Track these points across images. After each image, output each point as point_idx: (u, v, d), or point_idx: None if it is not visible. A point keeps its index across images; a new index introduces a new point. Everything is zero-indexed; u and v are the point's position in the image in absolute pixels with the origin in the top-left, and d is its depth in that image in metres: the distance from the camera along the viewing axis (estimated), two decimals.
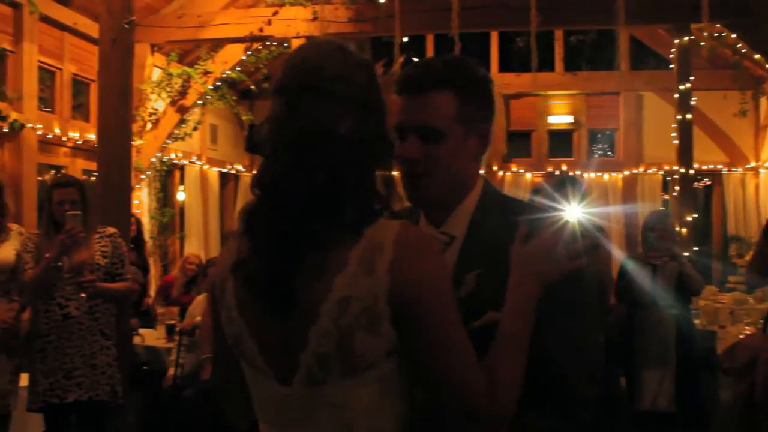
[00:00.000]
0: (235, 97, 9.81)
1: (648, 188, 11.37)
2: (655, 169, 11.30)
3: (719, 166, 11.25)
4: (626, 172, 11.46)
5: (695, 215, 8.03)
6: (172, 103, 8.89)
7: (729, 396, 4.81)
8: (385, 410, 1.40)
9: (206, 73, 8.90)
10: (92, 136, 7.13)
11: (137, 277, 6.12)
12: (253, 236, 1.42)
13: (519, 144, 11.86)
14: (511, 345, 1.47)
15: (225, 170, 11.54)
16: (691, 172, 8.03)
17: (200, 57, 9.09)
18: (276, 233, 1.37)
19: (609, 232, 9.32)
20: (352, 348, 1.34)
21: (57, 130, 7.56)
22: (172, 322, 6.19)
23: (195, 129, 9.33)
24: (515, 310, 1.50)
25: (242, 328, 1.44)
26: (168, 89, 8.76)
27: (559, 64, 11.54)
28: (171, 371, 5.72)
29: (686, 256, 6.03)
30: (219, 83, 9.12)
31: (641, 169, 11.41)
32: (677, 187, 8.08)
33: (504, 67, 11.70)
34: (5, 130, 6.37)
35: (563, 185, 4.96)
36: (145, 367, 5.97)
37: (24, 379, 4.45)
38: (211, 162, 11.00)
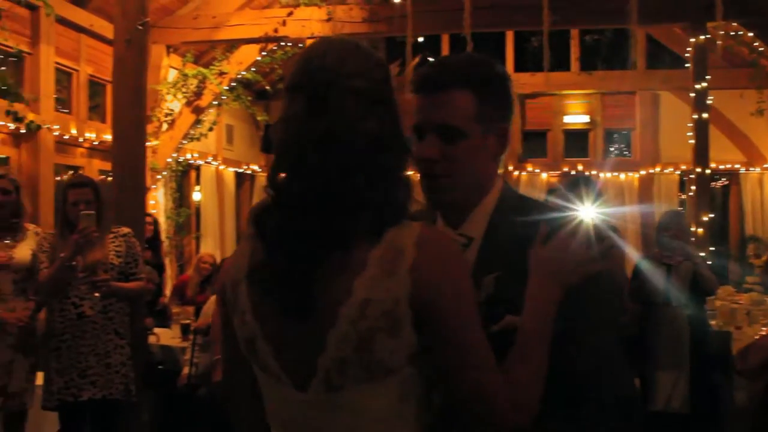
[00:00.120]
0: (250, 98, 9.84)
1: (664, 188, 11.31)
2: (671, 169, 11.24)
3: (736, 166, 11.17)
4: (642, 172, 11.41)
5: (712, 215, 7.96)
6: (188, 103, 8.93)
7: (744, 397, 4.79)
8: (404, 416, 1.37)
9: (221, 73, 8.93)
10: (108, 137, 7.17)
11: (152, 276, 6.16)
12: (270, 237, 1.38)
13: (534, 144, 11.83)
14: (531, 349, 1.43)
15: (241, 170, 11.59)
16: (708, 171, 7.96)
17: (215, 58, 9.14)
18: (295, 234, 1.33)
19: (624, 232, 9.29)
20: (372, 352, 1.31)
21: (74, 131, 7.62)
22: (187, 321, 6.21)
23: (210, 129, 9.38)
24: (535, 313, 1.47)
25: (256, 331, 1.40)
26: (183, 90, 8.81)
27: (574, 63, 11.50)
28: (185, 370, 5.74)
29: (701, 256, 6.00)
30: (234, 84, 9.16)
31: (657, 169, 11.36)
32: (693, 187, 8.01)
33: (519, 67, 11.67)
34: (22, 131, 6.42)
35: (577, 185, 4.94)
36: (160, 366, 5.99)
37: (40, 378, 4.50)
38: (227, 162, 11.05)
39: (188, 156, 9.66)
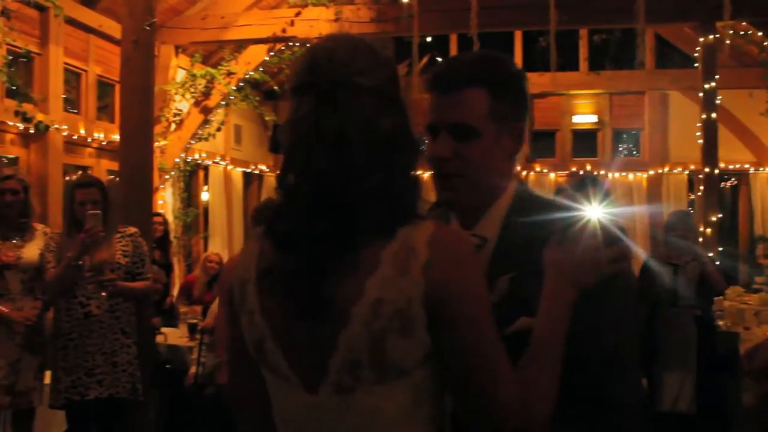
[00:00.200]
0: (258, 98, 9.86)
1: (673, 188, 11.28)
2: (680, 169, 11.21)
3: (746, 166, 11.12)
4: (651, 172, 11.38)
5: (720, 215, 7.93)
6: (196, 103, 8.97)
7: (751, 398, 4.77)
8: (416, 418, 1.34)
9: (229, 74, 8.97)
10: (117, 137, 7.19)
11: (159, 276, 6.18)
12: (281, 238, 1.36)
13: (543, 144, 11.81)
14: (545, 352, 1.40)
15: (249, 170, 11.61)
16: (716, 171, 7.94)
17: (224, 58, 9.18)
18: (306, 235, 1.31)
19: (632, 232, 9.26)
20: (384, 353, 1.28)
21: (82, 131, 7.64)
22: (195, 321, 6.22)
23: (219, 129, 9.41)
24: (549, 315, 1.43)
25: (265, 332, 1.37)
26: (192, 90, 8.85)
27: (583, 63, 11.49)
28: (193, 370, 5.75)
29: (709, 256, 5.98)
30: (242, 84, 9.18)
31: (666, 169, 11.32)
32: (702, 187, 7.99)
33: (527, 67, 11.59)
34: (31, 131, 6.46)
35: (584, 185, 4.94)
36: (167, 366, 6.01)
37: (48, 377, 4.52)
38: (235, 162, 11.07)
39: (196, 156, 9.69)
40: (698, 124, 8.10)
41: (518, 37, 11.58)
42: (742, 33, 8.26)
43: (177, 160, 8.88)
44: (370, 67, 1.35)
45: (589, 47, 11.54)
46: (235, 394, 1.57)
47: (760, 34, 8.00)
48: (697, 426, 5.15)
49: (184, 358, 6.01)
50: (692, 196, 10.96)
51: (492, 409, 1.31)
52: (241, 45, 8.99)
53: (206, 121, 9.11)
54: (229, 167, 10.88)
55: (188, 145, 9.06)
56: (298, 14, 8.18)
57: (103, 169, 8.13)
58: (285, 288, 1.33)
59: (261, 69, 9.16)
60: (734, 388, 5.47)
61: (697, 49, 8.11)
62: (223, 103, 9.20)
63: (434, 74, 1.66)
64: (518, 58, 11.56)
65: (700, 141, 8.02)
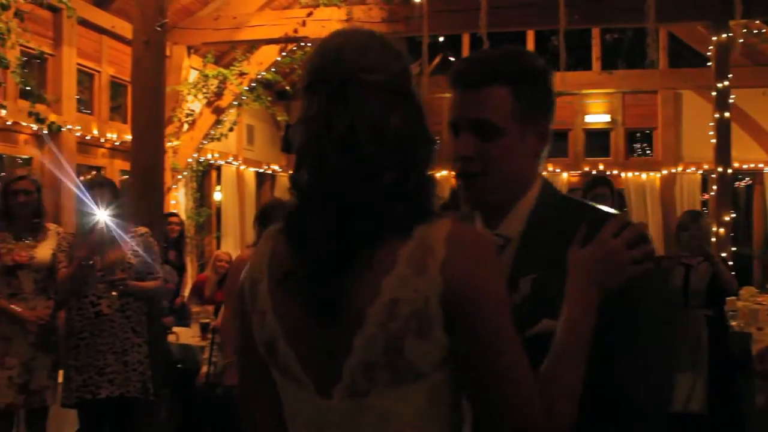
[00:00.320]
0: (270, 98, 9.89)
1: (687, 188, 11.21)
2: (693, 169, 11.13)
3: (760, 165, 11.03)
4: (664, 172, 11.31)
5: (734, 215, 7.89)
6: (209, 104, 9.00)
7: (764, 399, 4.74)
8: (433, 422, 1.30)
9: (242, 74, 8.99)
10: (130, 137, 7.25)
11: (170, 276, 6.21)
12: (295, 238, 1.32)
13: (555, 143, 11.61)
14: (567, 356, 1.36)
15: (261, 170, 11.64)
16: (730, 171, 7.89)
17: (236, 58, 9.21)
18: (320, 235, 1.27)
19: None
20: (401, 355, 1.24)
21: (95, 132, 7.69)
22: (207, 320, 6.24)
23: (231, 130, 9.44)
24: (572, 318, 1.39)
25: (277, 333, 1.33)
26: (204, 90, 8.88)
27: (596, 63, 11.45)
28: (204, 369, 5.77)
29: (721, 256, 5.95)
30: (254, 84, 9.21)
31: (680, 169, 11.26)
32: (715, 187, 7.95)
33: None
34: (45, 132, 6.51)
35: (595, 185, 4.94)
36: (179, 365, 6.03)
37: (62, 376, 4.56)
38: (248, 162, 11.11)
39: (209, 156, 9.73)
40: (711, 123, 8.06)
41: (530, 36, 11.55)
42: (755, 32, 8.21)
43: (189, 160, 8.91)
44: (380, 63, 1.31)
45: (601, 46, 11.51)
46: (244, 396, 1.53)
47: None
48: (709, 427, 5.13)
49: (196, 358, 6.03)
50: (706, 196, 10.90)
51: (512, 414, 1.26)
52: (253, 45, 9.02)
53: (218, 122, 9.15)
54: (242, 167, 10.91)
55: (201, 146, 9.09)
56: (309, 14, 8.21)
57: (117, 169, 8.18)
58: (298, 288, 1.30)
59: (273, 69, 9.19)
60: (747, 388, 5.44)
61: (710, 47, 8.07)
62: (236, 103, 9.24)
63: (456, 70, 1.61)
64: None
65: (713, 140, 7.98)
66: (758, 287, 8.25)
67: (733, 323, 6.24)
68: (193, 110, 8.86)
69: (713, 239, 7.48)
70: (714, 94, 7.96)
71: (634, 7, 6.93)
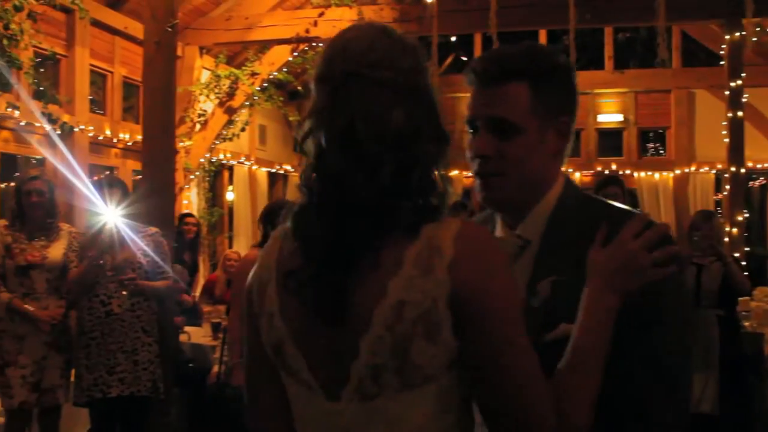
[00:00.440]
0: (282, 98, 9.91)
1: (700, 187, 11.15)
2: (707, 168, 11.08)
3: None
4: (677, 171, 11.26)
5: (747, 215, 7.84)
6: (221, 104, 9.04)
7: None
8: (443, 426, 1.26)
9: (253, 74, 9.03)
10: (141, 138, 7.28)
11: (182, 276, 6.23)
12: (301, 236, 1.30)
13: None
14: (583, 361, 1.31)
15: (274, 170, 11.67)
16: (743, 170, 7.85)
17: (248, 59, 9.24)
18: (325, 234, 1.25)
19: None
20: (409, 358, 1.20)
21: (108, 132, 7.73)
22: (218, 320, 6.28)
23: (243, 130, 9.47)
24: (590, 322, 1.34)
25: (285, 335, 1.31)
26: (216, 91, 8.92)
27: (608, 62, 11.41)
28: (215, 368, 5.79)
29: (734, 256, 5.91)
30: (266, 84, 9.24)
31: (693, 168, 11.20)
32: (728, 186, 7.90)
33: None
34: (57, 132, 6.54)
35: (605, 185, 4.92)
36: (190, 365, 6.06)
37: (74, 375, 4.59)
38: (260, 162, 11.14)
39: (221, 156, 9.76)
40: (724, 123, 8.01)
41: (542, 35, 11.53)
42: None
43: (202, 160, 8.95)
44: (387, 58, 1.28)
45: (614, 45, 11.47)
46: (252, 398, 1.48)
47: None
48: (721, 427, 5.10)
49: (207, 357, 6.06)
50: (719, 196, 10.83)
51: (522, 420, 1.21)
52: (264, 45, 9.05)
53: (230, 122, 9.18)
54: (254, 167, 10.94)
55: (213, 146, 9.12)
56: (321, 15, 8.24)
57: (129, 169, 8.21)
58: (305, 290, 1.27)
59: (285, 69, 9.21)
60: (759, 389, 5.41)
61: (723, 46, 8.03)
62: (248, 103, 9.27)
63: (474, 67, 1.56)
64: None
65: (727, 140, 7.94)
66: None
67: (746, 323, 6.21)
68: (205, 110, 8.90)
69: (726, 239, 7.44)
70: (727, 93, 7.92)
71: (644, 6, 6.91)
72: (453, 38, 12.62)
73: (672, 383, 1.41)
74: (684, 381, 1.45)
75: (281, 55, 9.02)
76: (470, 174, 1.63)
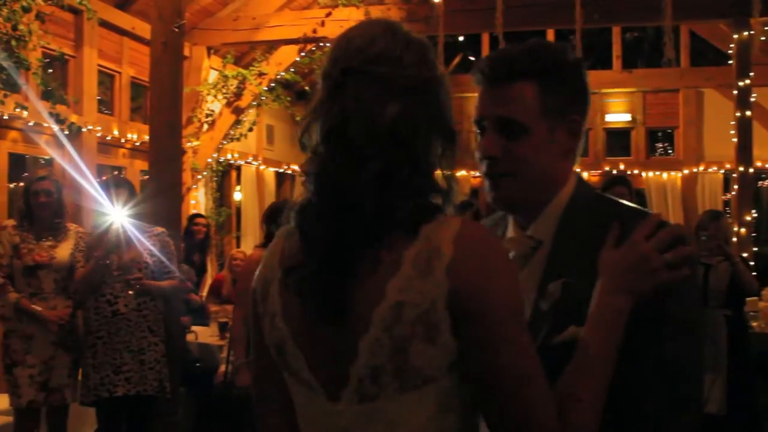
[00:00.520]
0: (289, 98, 9.92)
1: (708, 187, 11.12)
2: (715, 168, 11.04)
3: None
4: (686, 171, 11.23)
5: (755, 214, 7.81)
6: (228, 104, 9.05)
7: None
8: (444, 427, 1.24)
9: (261, 74, 9.03)
10: None
11: (189, 275, 6.25)
12: (303, 235, 1.28)
13: None
14: (590, 364, 1.28)
15: (281, 170, 11.68)
16: (751, 170, 7.82)
17: (255, 59, 9.25)
18: (324, 231, 1.23)
19: None
20: (408, 360, 1.19)
21: (116, 132, 7.76)
22: (225, 319, 6.29)
23: (250, 130, 9.48)
24: (599, 324, 1.31)
25: (286, 336, 1.30)
26: (224, 91, 8.92)
27: (616, 61, 11.39)
28: (222, 368, 5.80)
29: (742, 256, 5.89)
30: (273, 84, 9.24)
31: (701, 168, 11.16)
32: (737, 186, 7.88)
33: None
34: (65, 132, 6.57)
35: (611, 185, 4.91)
36: (197, 364, 6.08)
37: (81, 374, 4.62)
38: (268, 162, 11.15)
39: (229, 156, 9.78)
40: (733, 122, 7.99)
41: (550, 35, 11.51)
42: None
43: (209, 160, 8.96)
44: (387, 54, 1.26)
45: (621, 45, 11.44)
46: (259, 398, 1.48)
47: None
48: (728, 427, 5.09)
49: (214, 357, 6.07)
50: (728, 196, 10.79)
51: (524, 424, 1.18)
52: (272, 46, 9.06)
53: (238, 122, 9.19)
54: (262, 167, 10.96)
55: (220, 146, 9.14)
56: (328, 15, 8.24)
57: (137, 169, 8.24)
58: (306, 290, 1.26)
59: (292, 69, 9.21)
60: (766, 389, 5.39)
61: (731, 45, 8.00)
62: (255, 103, 9.27)
63: (481, 67, 1.54)
64: None
65: (735, 139, 7.91)
66: None
67: (754, 324, 6.19)
68: (212, 110, 8.91)
69: (735, 239, 7.41)
70: (735, 92, 7.89)
71: (651, 6, 6.89)
72: (461, 38, 12.60)
73: (684, 386, 1.38)
74: (695, 383, 1.42)
75: (289, 55, 9.03)
76: (478, 174, 1.61)
